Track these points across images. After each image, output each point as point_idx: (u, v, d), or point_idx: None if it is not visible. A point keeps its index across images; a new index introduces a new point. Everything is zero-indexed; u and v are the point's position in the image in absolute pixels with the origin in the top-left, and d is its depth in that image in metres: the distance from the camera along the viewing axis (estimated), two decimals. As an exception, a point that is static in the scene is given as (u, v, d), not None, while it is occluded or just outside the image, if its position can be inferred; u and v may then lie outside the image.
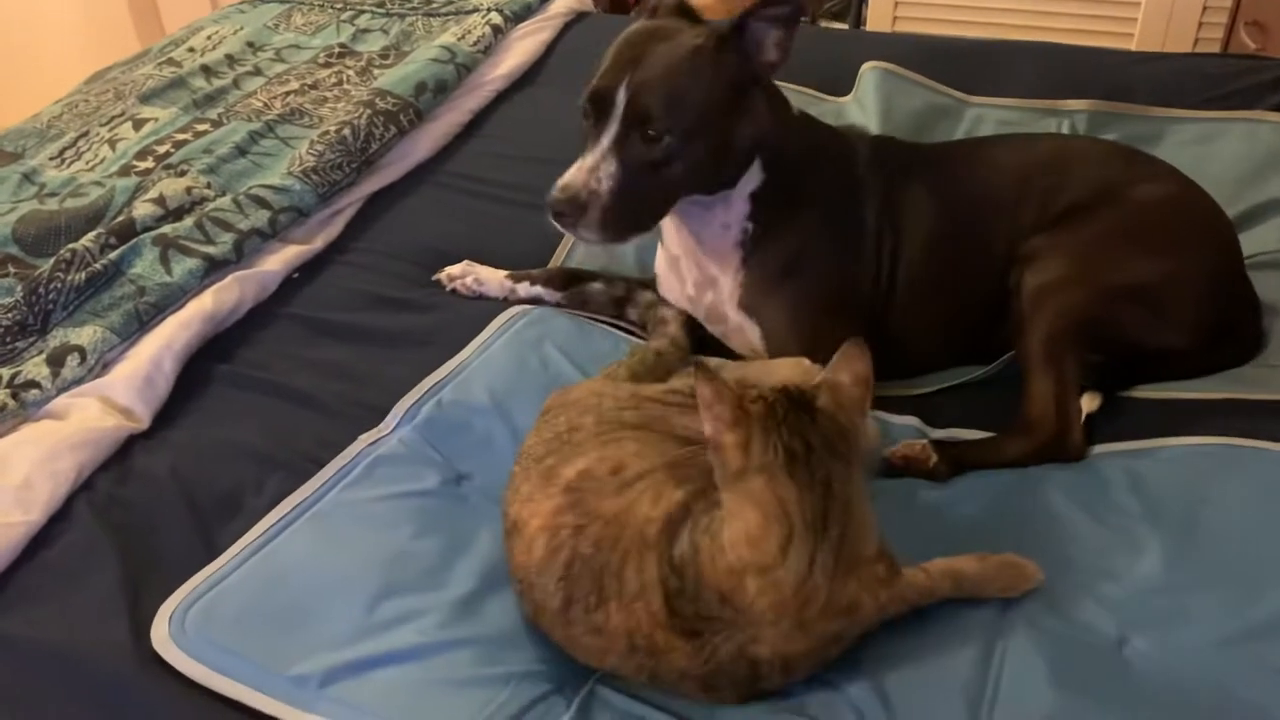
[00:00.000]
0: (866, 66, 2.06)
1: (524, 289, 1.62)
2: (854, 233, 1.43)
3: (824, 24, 3.67)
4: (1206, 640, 1.06)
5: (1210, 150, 1.81)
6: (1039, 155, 1.52)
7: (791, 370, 1.34)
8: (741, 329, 1.45)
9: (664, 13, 1.40)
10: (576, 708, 1.02)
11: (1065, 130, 1.91)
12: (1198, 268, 1.40)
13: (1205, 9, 3.11)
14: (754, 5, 1.28)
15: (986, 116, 1.97)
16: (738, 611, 0.96)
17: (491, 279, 1.64)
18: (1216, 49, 3.06)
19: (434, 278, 1.67)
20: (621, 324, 1.59)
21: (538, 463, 1.12)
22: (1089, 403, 1.34)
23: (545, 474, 1.10)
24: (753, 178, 1.39)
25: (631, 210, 1.30)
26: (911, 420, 1.40)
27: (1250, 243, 1.60)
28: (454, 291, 1.66)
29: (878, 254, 1.44)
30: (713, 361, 1.37)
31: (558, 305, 1.60)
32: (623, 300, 1.60)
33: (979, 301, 1.44)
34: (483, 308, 1.59)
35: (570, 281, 1.62)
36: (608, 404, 1.18)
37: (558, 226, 1.33)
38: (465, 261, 1.68)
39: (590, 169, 1.28)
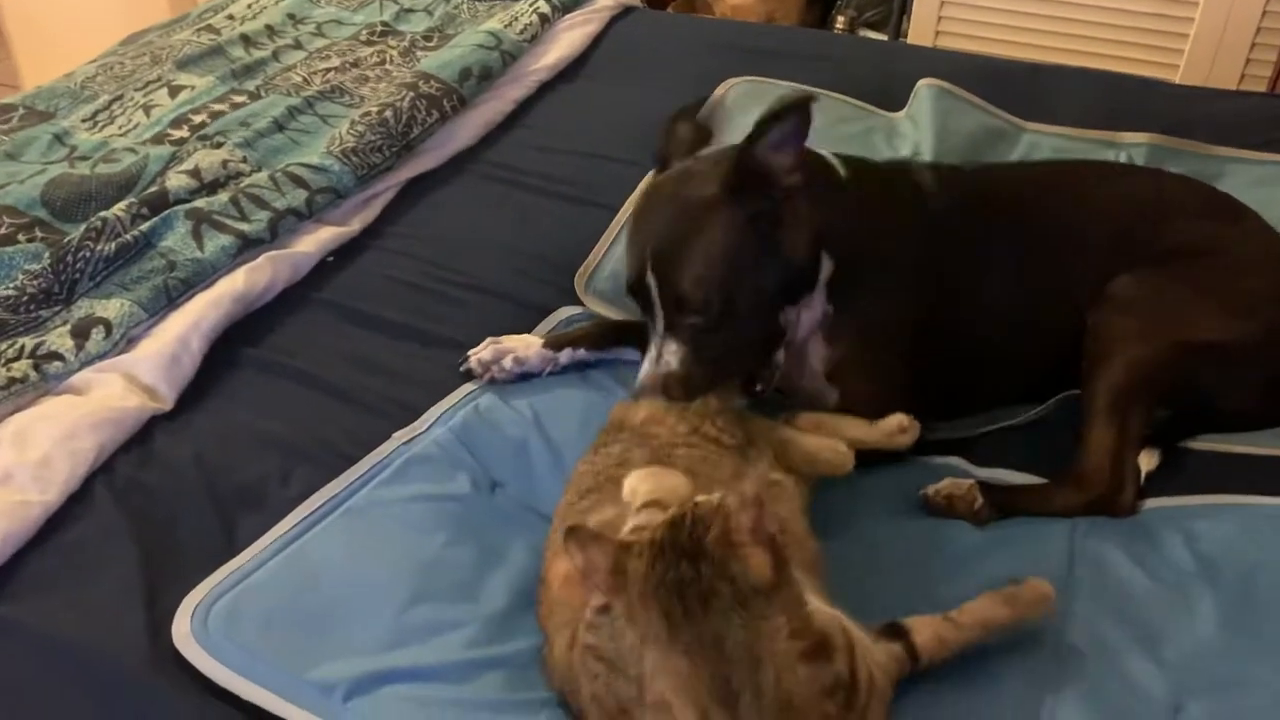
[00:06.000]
0: (923, 83, 2.01)
1: (566, 356, 1.45)
2: (928, 277, 1.37)
3: (862, 33, 3.61)
4: (1266, 712, 1.02)
5: (1274, 194, 1.76)
6: (1134, 198, 1.45)
7: (858, 430, 1.28)
8: (819, 396, 1.37)
9: (677, 152, 1.32)
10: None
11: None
12: (1275, 331, 1.36)
13: (1254, 46, 3.07)
14: (750, 137, 1.19)
15: (1041, 144, 1.92)
16: None
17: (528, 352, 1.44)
18: (1263, 86, 3.01)
19: (462, 368, 1.44)
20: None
21: (580, 498, 1.08)
22: (1147, 460, 1.30)
23: (578, 519, 1.05)
24: (824, 268, 1.32)
25: (720, 366, 1.24)
26: (956, 459, 1.35)
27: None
28: (491, 381, 1.43)
29: (952, 291, 1.38)
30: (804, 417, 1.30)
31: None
32: None
33: (1051, 339, 1.39)
34: (524, 314, 1.54)
35: (614, 336, 1.48)
36: (664, 438, 1.13)
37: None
38: (489, 340, 1.46)
39: (654, 360, 1.22)
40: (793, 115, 1.19)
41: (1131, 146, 1.89)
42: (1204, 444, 1.35)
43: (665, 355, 1.22)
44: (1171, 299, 1.34)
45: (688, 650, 0.84)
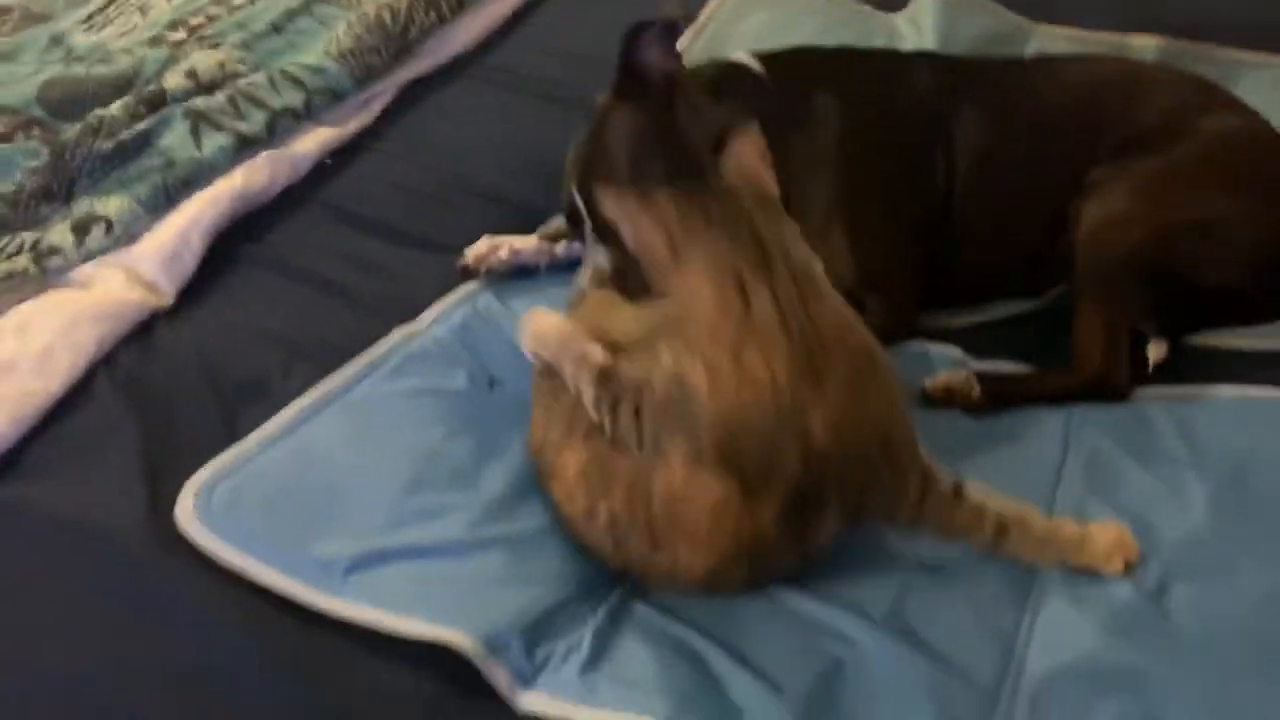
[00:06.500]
0: (927, -21, 1.96)
1: (563, 249, 1.45)
2: (899, 156, 1.38)
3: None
4: (1251, 596, 1.03)
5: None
6: (1108, 78, 1.46)
7: None
8: None
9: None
10: (605, 614, 1.01)
11: (1133, 67, 1.83)
12: (1266, 206, 1.35)
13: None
14: (624, 43, 1.22)
15: (1050, 49, 1.88)
16: (771, 397, 0.92)
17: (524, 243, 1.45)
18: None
19: (459, 264, 1.44)
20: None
21: (557, 400, 1.06)
22: (1155, 351, 1.30)
23: (567, 414, 1.04)
24: None
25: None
26: (953, 350, 1.36)
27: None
28: (488, 272, 1.43)
29: (929, 175, 1.39)
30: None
31: None
32: None
33: (1035, 228, 1.39)
34: (524, 219, 1.51)
35: None
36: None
37: None
38: (486, 236, 1.45)
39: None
40: (660, 22, 1.22)
41: (1143, 50, 1.86)
42: (1201, 338, 1.35)
43: (597, 260, 1.22)
44: (1151, 181, 1.33)
45: (722, 230, 0.96)
